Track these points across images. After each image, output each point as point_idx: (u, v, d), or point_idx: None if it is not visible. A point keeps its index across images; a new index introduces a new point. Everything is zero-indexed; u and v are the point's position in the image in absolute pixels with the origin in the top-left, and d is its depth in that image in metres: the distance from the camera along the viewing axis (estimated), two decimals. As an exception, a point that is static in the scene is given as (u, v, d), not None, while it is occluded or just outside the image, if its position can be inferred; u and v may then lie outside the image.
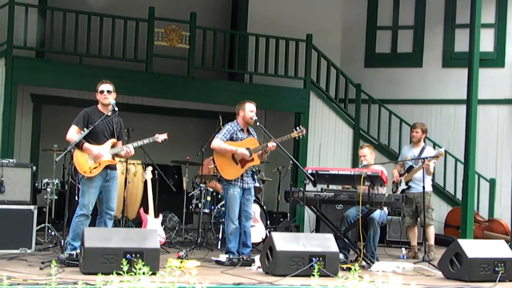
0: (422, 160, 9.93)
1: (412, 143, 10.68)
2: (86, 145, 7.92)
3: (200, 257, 8.86)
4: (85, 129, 7.90)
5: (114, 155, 8.12)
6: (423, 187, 9.74)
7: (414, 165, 10.24)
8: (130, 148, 8.15)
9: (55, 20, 12.11)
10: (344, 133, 14.04)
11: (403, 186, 10.32)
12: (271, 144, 8.61)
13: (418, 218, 10.33)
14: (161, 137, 8.53)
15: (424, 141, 10.66)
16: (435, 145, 12.57)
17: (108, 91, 8.14)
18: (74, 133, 7.97)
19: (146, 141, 8.37)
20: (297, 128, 9.00)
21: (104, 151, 8.00)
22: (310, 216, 10.54)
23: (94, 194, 7.98)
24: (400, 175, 10.42)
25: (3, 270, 6.87)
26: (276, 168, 11.55)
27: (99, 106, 8.18)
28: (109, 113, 8.14)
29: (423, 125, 10.65)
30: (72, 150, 8.03)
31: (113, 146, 8.13)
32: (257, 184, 10.33)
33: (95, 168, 7.91)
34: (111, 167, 8.12)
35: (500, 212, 13.40)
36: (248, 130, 8.94)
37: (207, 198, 10.60)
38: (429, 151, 10.45)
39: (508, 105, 13.84)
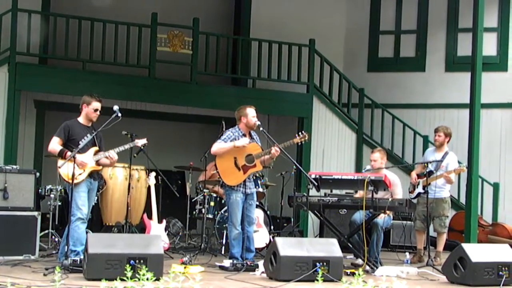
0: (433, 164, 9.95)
1: (435, 147, 10.53)
2: (69, 154, 8.09)
3: (204, 262, 8.87)
4: (85, 138, 8.16)
5: (97, 162, 8.31)
6: (423, 192, 9.75)
7: (434, 170, 10.07)
8: (112, 154, 8.31)
9: (58, 26, 12.11)
10: (347, 137, 14.03)
11: (420, 189, 10.19)
12: (275, 149, 8.59)
13: (431, 224, 10.29)
14: (140, 142, 8.78)
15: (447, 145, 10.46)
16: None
17: (100, 112, 8.39)
18: (55, 144, 8.24)
19: (126, 146, 8.60)
20: (300, 133, 8.97)
21: (87, 158, 8.19)
22: (313, 221, 10.50)
23: (85, 197, 8.19)
24: (418, 176, 10.33)
25: (6, 277, 6.86)
26: (280, 173, 11.54)
27: (80, 119, 8.41)
28: (89, 124, 8.38)
29: (446, 128, 10.40)
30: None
31: (95, 153, 8.31)
32: (260, 189, 10.34)
33: (79, 174, 8.06)
34: (93, 177, 8.35)
35: (504, 216, 13.38)
36: (250, 135, 8.93)
37: (211, 203, 10.59)
38: (451, 158, 10.24)
39: (511, 109, 13.82)
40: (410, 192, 10.34)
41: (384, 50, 14.99)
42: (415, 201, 10.06)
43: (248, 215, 8.82)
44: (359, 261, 8.92)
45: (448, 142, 10.42)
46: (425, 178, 10.01)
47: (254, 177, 9.21)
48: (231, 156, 8.71)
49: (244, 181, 8.74)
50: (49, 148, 8.30)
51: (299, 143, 9.16)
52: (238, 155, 8.71)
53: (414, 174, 10.44)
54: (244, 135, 8.83)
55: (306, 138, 8.90)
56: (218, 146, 8.73)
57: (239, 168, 8.70)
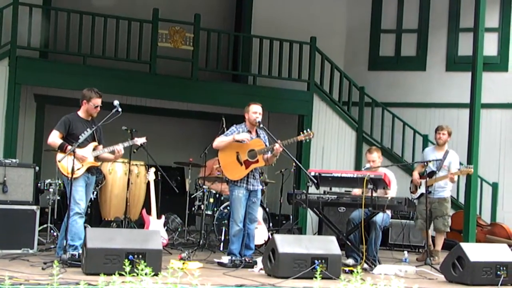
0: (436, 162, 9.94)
1: (436, 145, 10.43)
2: (69, 148, 8.08)
3: (202, 258, 8.87)
4: (84, 133, 8.12)
5: (96, 158, 8.34)
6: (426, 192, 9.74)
7: (436, 170, 9.98)
8: (119, 148, 8.31)
9: (59, 21, 12.11)
10: (347, 136, 14.04)
11: (422, 190, 10.02)
12: (279, 144, 8.58)
13: (432, 223, 10.24)
14: (140, 141, 8.82)
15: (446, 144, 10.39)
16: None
17: (101, 106, 8.40)
18: (56, 137, 8.25)
19: (126, 144, 8.56)
20: (305, 131, 8.93)
21: (86, 152, 8.22)
22: (312, 218, 10.52)
23: (82, 192, 8.20)
24: (421, 177, 10.28)
25: (5, 270, 6.88)
26: (279, 170, 11.53)
27: (80, 113, 8.44)
28: (89, 118, 8.40)
29: (449, 127, 10.35)
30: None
31: (94, 149, 8.34)
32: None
33: (78, 169, 8.06)
34: (91, 172, 8.38)
35: (503, 216, 13.39)
36: (256, 132, 8.93)
37: (210, 199, 10.59)
38: (453, 157, 10.16)
39: (511, 110, 13.83)
40: (412, 192, 10.29)
41: (385, 49, 15.00)
42: (416, 201, 10.05)
43: (251, 213, 8.81)
44: (350, 261, 8.89)
45: (448, 140, 10.40)
46: (428, 179, 9.92)
47: (258, 174, 9.17)
48: (233, 151, 8.72)
49: (247, 177, 8.73)
50: (49, 141, 8.31)
51: (303, 141, 9.13)
52: (240, 150, 8.71)
53: (416, 174, 10.36)
54: (249, 131, 8.83)
55: (311, 136, 8.86)
56: (218, 140, 8.77)
57: (241, 163, 8.70)
